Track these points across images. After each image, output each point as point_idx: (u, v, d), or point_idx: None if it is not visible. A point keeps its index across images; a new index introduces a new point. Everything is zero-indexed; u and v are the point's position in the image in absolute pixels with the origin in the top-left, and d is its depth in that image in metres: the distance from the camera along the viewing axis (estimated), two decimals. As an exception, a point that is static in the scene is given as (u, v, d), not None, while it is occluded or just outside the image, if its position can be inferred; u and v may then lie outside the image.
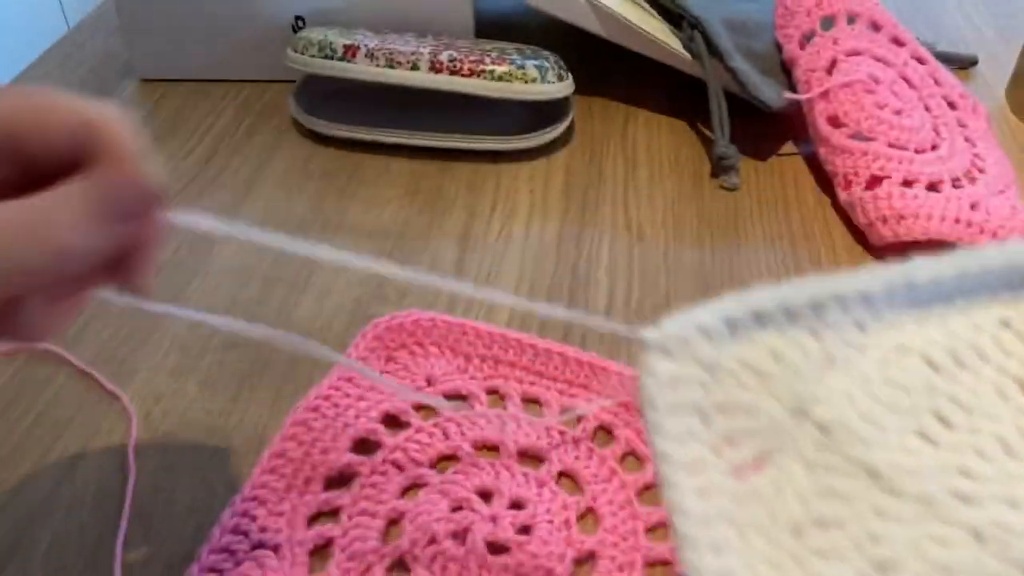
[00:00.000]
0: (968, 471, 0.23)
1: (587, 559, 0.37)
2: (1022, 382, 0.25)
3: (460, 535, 0.37)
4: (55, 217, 0.20)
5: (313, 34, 0.60)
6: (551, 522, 0.37)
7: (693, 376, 0.24)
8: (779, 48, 0.63)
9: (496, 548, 0.37)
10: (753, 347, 0.24)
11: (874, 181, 0.54)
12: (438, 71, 0.58)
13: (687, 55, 0.61)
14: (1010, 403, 0.25)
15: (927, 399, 0.25)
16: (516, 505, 0.38)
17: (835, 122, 0.56)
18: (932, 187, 0.54)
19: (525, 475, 0.39)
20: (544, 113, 0.61)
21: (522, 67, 0.59)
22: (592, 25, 0.61)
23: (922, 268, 0.26)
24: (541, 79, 0.59)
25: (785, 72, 0.62)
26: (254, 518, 0.37)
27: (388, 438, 0.41)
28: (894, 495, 0.23)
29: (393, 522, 0.38)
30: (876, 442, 0.24)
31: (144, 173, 0.23)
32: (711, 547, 0.22)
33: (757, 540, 0.23)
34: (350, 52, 0.59)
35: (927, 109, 0.59)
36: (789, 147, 0.62)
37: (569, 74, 0.61)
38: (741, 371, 0.24)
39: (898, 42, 0.62)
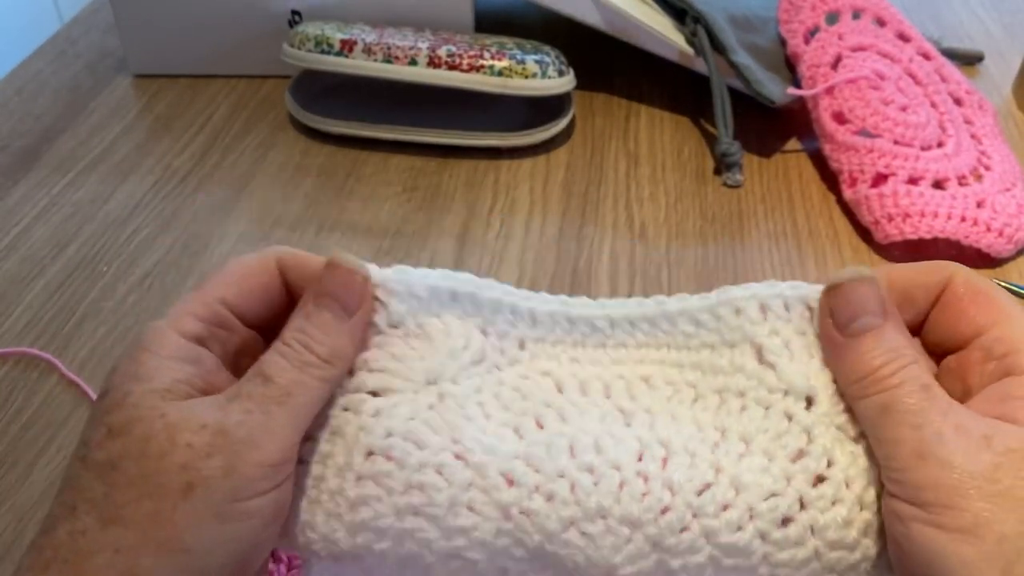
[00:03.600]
0: (531, 460, 0.26)
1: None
2: (628, 417, 0.28)
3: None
4: None
5: (309, 29, 0.60)
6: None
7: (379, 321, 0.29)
8: (783, 43, 0.62)
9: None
10: (432, 318, 0.29)
11: (879, 178, 0.53)
12: (436, 66, 0.57)
13: (690, 50, 0.60)
14: (604, 424, 0.28)
15: (537, 407, 0.28)
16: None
17: (840, 118, 0.56)
18: (938, 185, 0.53)
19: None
20: (544, 109, 0.60)
21: (522, 62, 0.58)
22: (594, 20, 0.60)
23: (578, 306, 0.30)
24: (541, 74, 0.58)
25: (789, 68, 0.61)
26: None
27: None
28: (459, 458, 0.26)
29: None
30: (474, 420, 0.27)
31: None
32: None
33: (338, 457, 0.27)
34: (347, 47, 0.58)
35: (933, 106, 0.58)
36: (793, 144, 0.61)
37: (570, 69, 0.60)
38: (415, 331, 0.29)
39: (904, 37, 0.62)
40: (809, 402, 0.28)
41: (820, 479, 0.26)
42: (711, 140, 0.61)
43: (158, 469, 0.24)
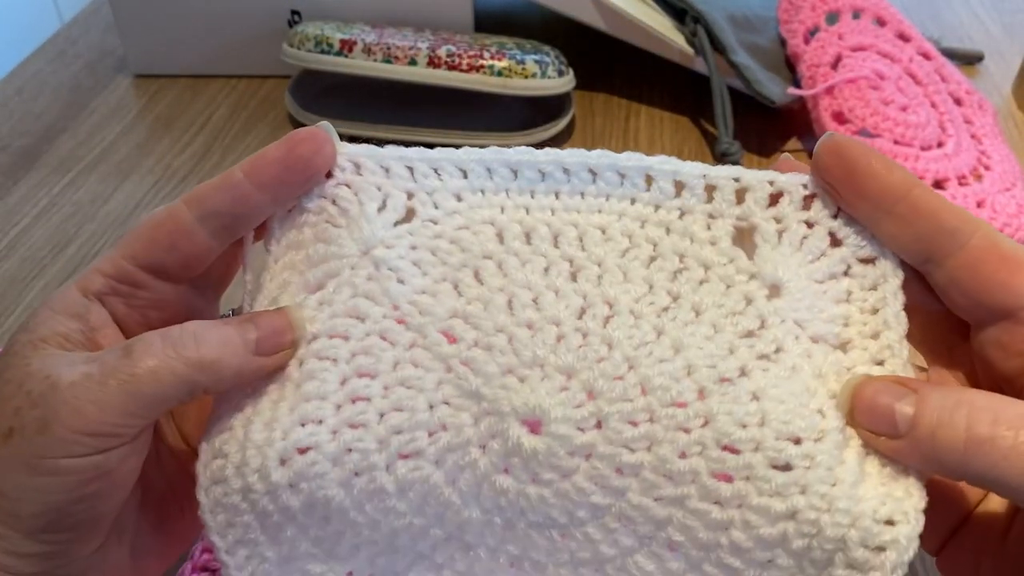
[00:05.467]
0: (469, 318, 0.27)
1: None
2: (576, 269, 0.28)
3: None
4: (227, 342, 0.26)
5: (309, 28, 0.60)
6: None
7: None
8: (783, 43, 0.62)
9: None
10: (340, 187, 0.29)
11: (880, 178, 0.53)
12: (436, 66, 0.57)
13: (690, 50, 0.60)
14: (548, 279, 0.27)
15: (475, 260, 0.28)
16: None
17: (840, 118, 0.56)
18: (938, 185, 0.53)
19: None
20: (544, 109, 0.60)
21: (522, 62, 0.58)
22: (594, 19, 0.60)
23: (520, 154, 0.29)
24: (541, 74, 0.58)
25: (789, 67, 0.61)
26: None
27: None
28: (401, 323, 0.27)
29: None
30: (409, 281, 0.28)
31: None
32: None
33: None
34: (347, 47, 0.58)
35: (933, 106, 0.58)
36: (793, 144, 0.61)
37: (570, 69, 0.60)
38: (330, 208, 0.29)
39: (903, 37, 0.62)
40: (774, 292, 0.27)
41: (765, 358, 0.26)
42: (711, 140, 0.61)
43: None
